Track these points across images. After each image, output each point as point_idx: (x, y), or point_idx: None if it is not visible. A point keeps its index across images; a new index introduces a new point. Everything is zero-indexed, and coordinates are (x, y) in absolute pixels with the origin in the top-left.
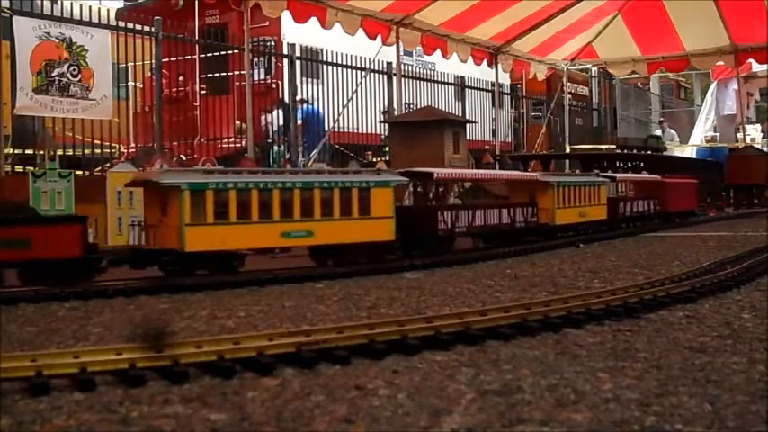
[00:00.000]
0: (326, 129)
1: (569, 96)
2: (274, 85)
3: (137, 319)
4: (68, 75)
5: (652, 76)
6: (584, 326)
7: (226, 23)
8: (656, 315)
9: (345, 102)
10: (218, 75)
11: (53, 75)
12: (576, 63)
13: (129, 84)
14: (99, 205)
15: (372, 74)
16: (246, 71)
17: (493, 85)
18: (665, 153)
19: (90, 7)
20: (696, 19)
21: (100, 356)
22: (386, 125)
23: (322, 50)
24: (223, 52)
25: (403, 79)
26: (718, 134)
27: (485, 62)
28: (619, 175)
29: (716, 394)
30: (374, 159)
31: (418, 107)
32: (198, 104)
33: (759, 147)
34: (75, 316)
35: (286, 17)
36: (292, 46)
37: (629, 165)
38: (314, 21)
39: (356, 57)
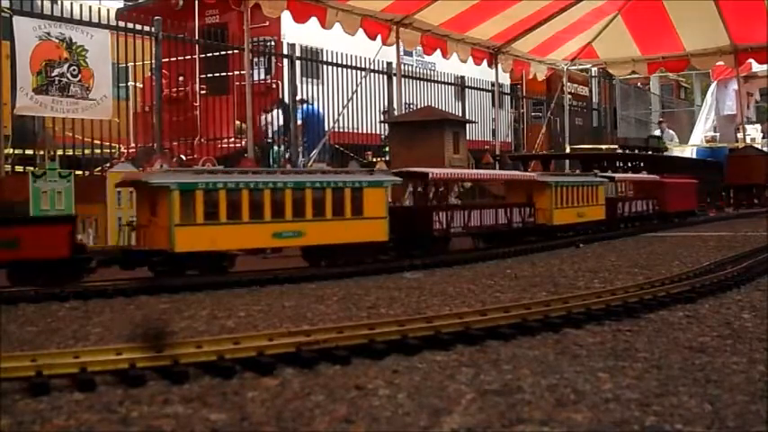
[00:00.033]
0: (326, 129)
1: (569, 96)
2: (274, 85)
3: (137, 319)
4: (68, 75)
5: (652, 76)
6: (584, 326)
7: (226, 23)
8: (656, 315)
9: (345, 102)
10: (218, 75)
11: (53, 75)
12: (576, 63)
13: (129, 84)
14: (99, 205)
15: (372, 74)
16: (246, 71)
17: (493, 85)
18: (665, 153)
19: (90, 7)
20: (696, 19)
21: (100, 356)
22: (386, 125)
23: (322, 50)
24: (223, 52)
25: (403, 79)
26: (718, 134)
27: (485, 62)
28: (617, 175)
29: (716, 394)
30: (374, 159)
31: (418, 107)
32: (198, 104)
33: (759, 147)
34: (75, 316)
35: (286, 17)
36: (292, 46)
37: (630, 165)
38: (314, 21)
39: (356, 57)
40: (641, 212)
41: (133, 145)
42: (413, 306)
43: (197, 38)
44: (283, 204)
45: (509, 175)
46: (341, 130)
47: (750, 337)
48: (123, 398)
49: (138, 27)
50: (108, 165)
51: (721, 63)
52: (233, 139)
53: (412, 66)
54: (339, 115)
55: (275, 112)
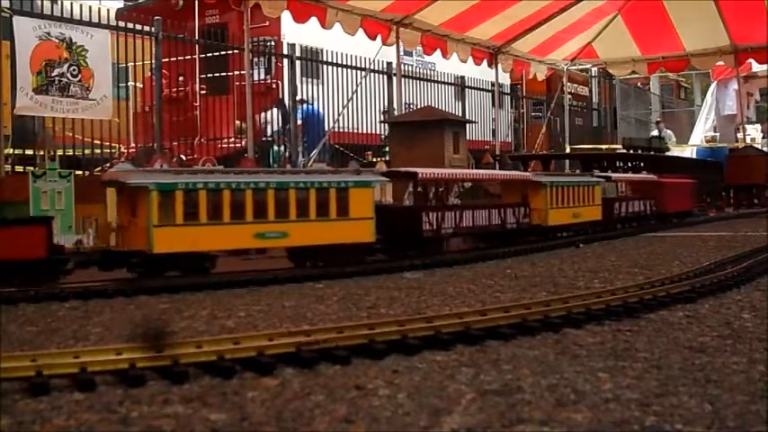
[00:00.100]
0: (326, 129)
1: (569, 96)
2: (274, 85)
3: (137, 318)
4: (68, 75)
5: (652, 76)
6: (584, 326)
7: (226, 23)
8: (656, 315)
9: (345, 102)
10: (218, 75)
11: (53, 75)
12: (576, 63)
13: (129, 84)
14: (99, 205)
15: (372, 74)
16: (246, 71)
17: (493, 85)
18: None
19: (90, 7)
20: (696, 19)
21: (100, 356)
22: (386, 125)
23: (322, 50)
24: (223, 52)
25: (403, 79)
26: (718, 134)
27: (485, 62)
28: (614, 175)
29: (716, 394)
30: (374, 159)
31: (418, 107)
32: (198, 104)
33: (759, 147)
34: (75, 316)
35: (286, 17)
36: (292, 46)
37: (630, 165)
38: (314, 21)
39: (356, 57)
40: (638, 213)
41: (133, 145)
42: (413, 306)
43: (197, 38)
44: (266, 205)
45: (502, 174)
46: (341, 130)
47: (750, 337)
48: (123, 398)
49: (138, 27)
50: (108, 165)
51: (721, 63)
52: (233, 139)
53: (412, 66)
54: (339, 115)
55: (273, 110)
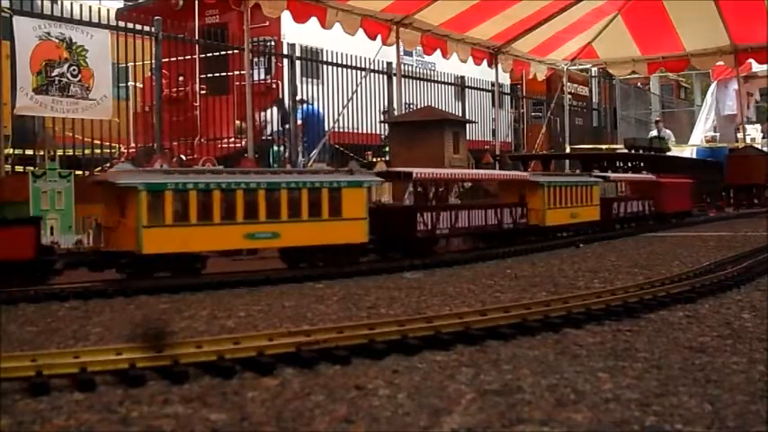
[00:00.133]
0: (326, 129)
1: (569, 96)
2: (274, 85)
3: (137, 318)
4: (68, 75)
5: (652, 76)
6: (584, 326)
7: (226, 23)
8: (656, 315)
9: (345, 102)
10: (218, 75)
11: (53, 75)
12: (576, 63)
13: (129, 84)
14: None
15: (372, 74)
16: (246, 71)
17: (493, 85)
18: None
19: (90, 7)
20: (696, 19)
21: (100, 356)
22: (386, 125)
23: (322, 50)
24: (223, 52)
25: (403, 79)
26: (718, 134)
27: (485, 62)
28: (612, 175)
29: (716, 394)
30: (374, 159)
31: (418, 107)
32: (198, 104)
33: (759, 147)
34: (75, 316)
35: (286, 17)
36: (292, 46)
37: (630, 165)
38: (314, 21)
39: (356, 57)
40: (637, 213)
41: (133, 145)
42: (413, 306)
43: (197, 38)
44: (257, 205)
45: (499, 174)
46: (341, 130)
47: (750, 337)
48: (123, 398)
49: (138, 27)
50: (108, 165)
51: (721, 63)
52: (233, 139)
53: (412, 66)
54: (339, 115)
55: (271, 109)
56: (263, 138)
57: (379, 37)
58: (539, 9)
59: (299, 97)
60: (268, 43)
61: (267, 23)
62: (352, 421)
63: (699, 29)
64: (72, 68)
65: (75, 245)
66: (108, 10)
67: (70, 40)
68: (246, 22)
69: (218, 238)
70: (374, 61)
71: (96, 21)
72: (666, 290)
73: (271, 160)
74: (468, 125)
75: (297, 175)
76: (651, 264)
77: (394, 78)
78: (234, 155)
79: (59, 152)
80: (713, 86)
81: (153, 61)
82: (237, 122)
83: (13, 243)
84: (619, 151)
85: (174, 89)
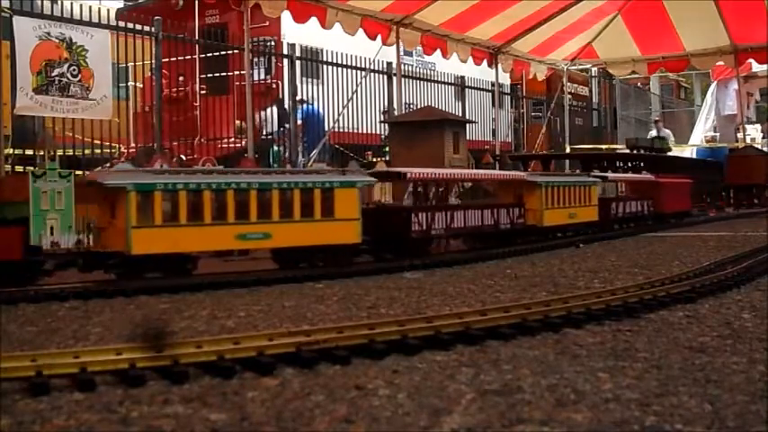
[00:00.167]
0: (326, 129)
1: (569, 96)
2: (274, 86)
3: (137, 318)
4: (68, 75)
5: (652, 76)
6: (584, 326)
7: (226, 23)
8: (656, 315)
9: (345, 102)
10: (218, 75)
11: (53, 75)
12: (576, 63)
13: (129, 84)
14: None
15: (372, 74)
16: (246, 71)
17: (493, 85)
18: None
19: (90, 7)
20: (696, 19)
21: (100, 356)
22: (386, 125)
23: (322, 50)
24: (223, 52)
25: (403, 79)
26: (718, 134)
27: (485, 62)
28: (610, 175)
29: (716, 394)
30: (374, 159)
31: (418, 107)
32: (198, 104)
33: (759, 147)
34: (75, 316)
35: (286, 17)
36: (292, 46)
37: (630, 165)
38: (314, 21)
39: (356, 57)
40: (636, 213)
41: (133, 145)
42: (413, 306)
43: (197, 38)
44: (248, 205)
45: (495, 174)
46: (341, 130)
47: (750, 337)
48: (123, 398)
49: (138, 27)
50: (108, 165)
51: (721, 63)
52: (233, 139)
53: (412, 66)
54: (339, 115)
55: (270, 108)
56: (262, 137)
57: (379, 37)
58: (539, 9)
59: (298, 97)
60: (268, 43)
61: (267, 23)
62: (352, 421)
63: (699, 29)
64: (72, 68)
65: (75, 245)
66: (108, 10)
67: (70, 40)
68: (246, 22)
69: (209, 239)
70: (374, 61)
71: (96, 21)
72: (666, 290)
73: (271, 160)
74: (468, 125)
75: (289, 175)
76: (651, 264)
77: (394, 78)
78: (234, 155)
79: (59, 152)
80: (713, 86)
81: (153, 61)
82: (237, 122)
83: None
84: (621, 151)
85: (174, 89)
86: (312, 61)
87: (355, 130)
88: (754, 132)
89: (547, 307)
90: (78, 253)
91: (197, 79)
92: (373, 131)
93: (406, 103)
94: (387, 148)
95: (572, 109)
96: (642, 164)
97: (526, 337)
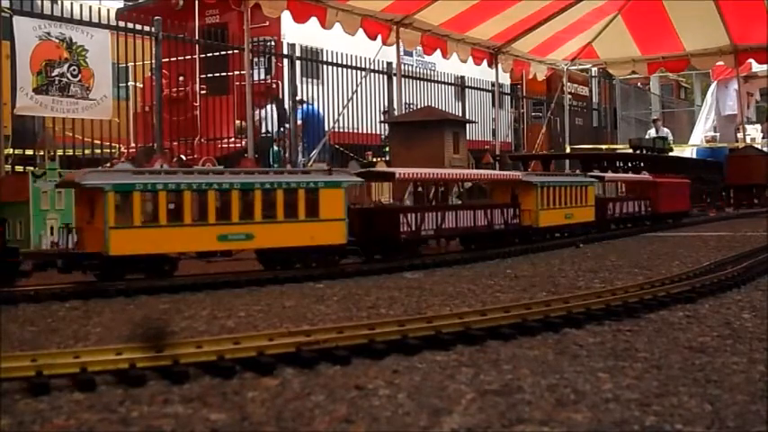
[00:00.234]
0: (326, 129)
1: (569, 96)
2: (274, 85)
3: (137, 318)
4: (68, 75)
5: (652, 76)
6: (584, 326)
7: (226, 23)
8: (656, 315)
9: (345, 102)
10: (218, 75)
11: (53, 75)
12: (576, 63)
13: (129, 84)
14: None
15: (372, 74)
16: (246, 71)
17: (493, 85)
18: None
19: (90, 7)
20: (696, 19)
21: (100, 356)
22: (386, 125)
23: (322, 50)
24: (223, 52)
25: (403, 79)
26: (718, 134)
27: (485, 62)
28: (607, 175)
29: (716, 394)
30: (374, 159)
31: (418, 107)
32: (198, 104)
33: (759, 147)
34: (75, 316)
35: (286, 17)
36: (292, 46)
37: (630, 165)
38: (314, 21)
39: (356, 57)
40: (633, 213)
41: (133, 145)
42: (413, 306)
43: (197, 38)
44: (230, 206)
45: (489, 174)
46: (341, 130)
47: (750, 337)
48: (123, 398)
49: (138, 27)
50: (108, 165)
51: (721, 63)
52: (233, 139)
53: (412, 66)
54: (339, 115)
55: (268, 106)
56: (261, 135)
57: (379, 37)
58: (539, 9)
59: (298, 97)
60: (268, 43)
61: (267, 23)
62: (352, 421)
63: (699, 29)
64: (72, 68)
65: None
66: (108, 10)
67: (70, 40)
68: (246, 22)
69: (190, 240)
70: (374, 61)
71: (96, 21)
72: (666, 290)
73: (270, 160)
74: (468, 125)
75: (272, 175)
76: (651, 264)
77: (394, 78)
78: (234, 155)
79: (59, 152)
80: (713, 86)
81: (153, 61)
82: (237, 122)
83: None
84: (624, 151)
85: (174, 89)
86: (312, 61)
87: (355, 131)
88: (754, 132)
89: (547, 307)
90: (57, 254)
91: (197, 79)
92: (373, 131)
93: (406, 103)
94: (387, 149)
95: (572, 109)
96: (642, 164)
97: (526, 337)
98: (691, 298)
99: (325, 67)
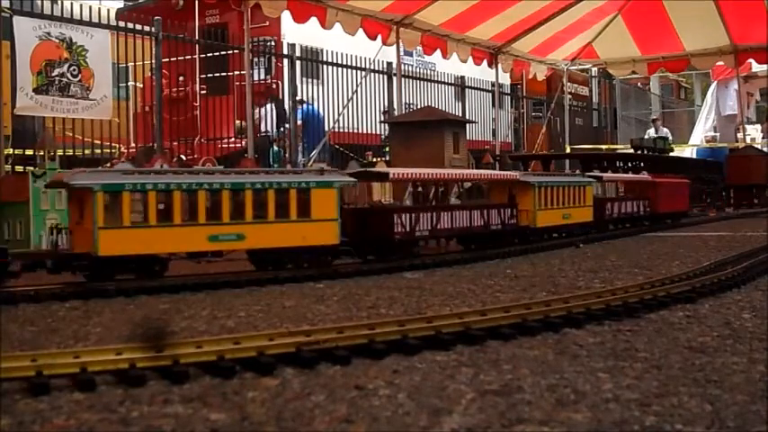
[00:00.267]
0: (326, 129)
1: (569, 96)
2: (274, 85)
3: (137, 318)
4: (68, 75)
5: (652, 76)
6: (584, 326)
7: (226, 23)
8: (656, 315)
9: (345, 102)
10: (218, 75)
11: (53, 75)
12: (576, 63)
13: (129, 84)
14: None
15: (372, 74)
16: (246, 71)
17: (493, 85)
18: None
19: (90, 7)
20: (696, 19)
21: (100, 356)
22: (386, 125)
23: (322, 50)
24: (223, 52)
25: (403, 79)
26: (718, 134)
27: (485, 62)
28: (605, 175)
29: (716, 394)
30: (374, 159)
31: (418, 107)
32: (198, 104)
33: (759, 147)
34: (75, 316)
35: (286, 17)
36: (292, 46)
37: (630, 165)
38: (314, 21)
39: (356, 57)
40: (632, 214)
41: (133, 145)
42: (413, 306)
43: (197, 38)
44: (220, 206)
45: (487, 174)
46: (341, 130)
47: (750, 337)
48: (123, 398)
49: (138, 27)
50: (108, 165)
51: (721, 63)
52: (233, 139)
53: (412, 66)
54: (339, 115)
55: (267, 105)
56: (260, 134)
57: (379, 37)
58: (539, 9)
59: (298, 97)
60: (268, 43)
61: (267, 23)
62: (352, 421)
63: (699, 29)
64: (72, 68)
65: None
66: (108, 10)
67: (70, 40)
68: (246, 22)
69: (180, 240)
70: (374, 61)
71: (96, 21)
72: (666, 290)
73: (271, 160)
74: (468, 125)
75: (263, 175)
76: (651, 264)
77: (394, 78)
78: (234, 155)
79: (59, 152)
80: (713, 86)
81: (153, 61)
82: (237, 122)
83: None
84: (624, 151)
85: (174, 89)
86: (312, 61)
87: (355, 131)
88: (754, 132)
89: (547, 307)
90: (47, 254)
91: (197, 79)
92: (373, 131)
93: (406, 104)
94: (387, 149)
95: (572, 109)
96: (642, 164)
97: (526, 337)
98: (691, 298)
99: (325, 67)
